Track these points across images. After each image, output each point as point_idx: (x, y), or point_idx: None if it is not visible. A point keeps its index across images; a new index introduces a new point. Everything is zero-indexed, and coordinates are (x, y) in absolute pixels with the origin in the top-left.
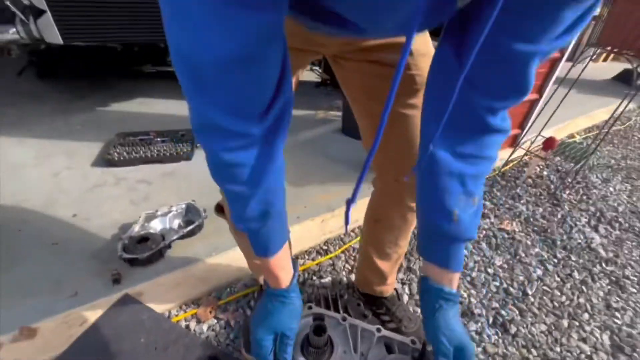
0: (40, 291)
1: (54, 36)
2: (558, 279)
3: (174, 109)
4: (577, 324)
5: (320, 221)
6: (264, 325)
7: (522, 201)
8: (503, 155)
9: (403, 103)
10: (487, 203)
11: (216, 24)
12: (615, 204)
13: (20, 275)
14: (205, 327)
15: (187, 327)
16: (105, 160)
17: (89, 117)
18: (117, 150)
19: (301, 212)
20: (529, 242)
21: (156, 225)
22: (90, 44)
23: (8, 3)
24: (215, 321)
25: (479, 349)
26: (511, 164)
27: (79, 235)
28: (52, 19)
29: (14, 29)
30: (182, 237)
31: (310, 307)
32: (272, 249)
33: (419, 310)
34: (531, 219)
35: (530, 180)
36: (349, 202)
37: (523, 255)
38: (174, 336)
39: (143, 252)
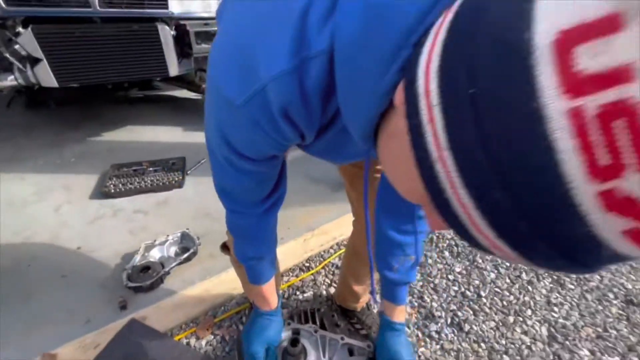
0: (56, 320)
1: (50, 81)
2: (508, 281)
3: (162, 135)
4: (521, 319)
5: (302, 240)
6: (257, 340)
7: None
8: None
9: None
10: None
11: (232, 169)
12: None
13: (36, 306)
14: (204, 342)
15: (188, 343)
16: (102, 193)
17: (81, 149)
18: (113, 182)
19: (285, 233)
20: None
21: (155, 254)
22: (83, 84)
23: (7, 55)
24: (213, 337)
25: (437, 347)
26: None
27: (85, 267)
28: (48, 66)
29: (12, 76)
30: (179, 264)
31: (289, 323)
32: (263, 279)
33: None
34: None
35: None
36: (372, 293)
37: (480, 261)
38: (177, 353)
39: (145, 280)
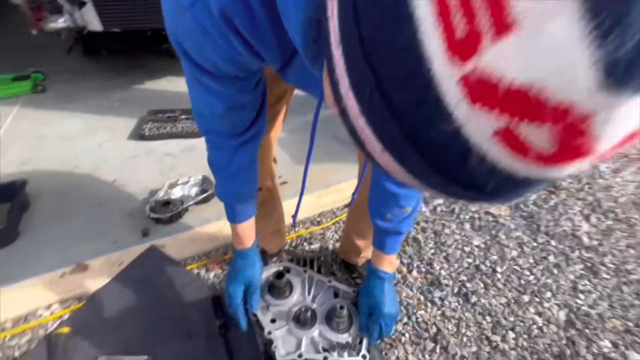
0: (89, 238)
1: (95, 24)
2: (532, 261)
3: None
4: (537, 300)
5: (317, 196)
6: (233, 280)
7: None
8: None
9: None
10: None
11: (199, 87)
12: (618, 195)
13: (74, 225)
14: (212, 275)
15: (198, 274)
16: (139, 135)
17: (125, 94)
18: (149, 126)
19: (300, 186)
20: (512, 226)
21: (177, 192)
22: (126, 29)
23: None
24: (221, 271)
25: (438, 312)
26: None
27: (117, 197)
28: (94, 9)
29: (63, 19)
30: (197, 203)
31: (281, 261)
32: (239, 219)
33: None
34: (522, 205)
35: None
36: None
37: (503, 237)
38: (188, 279)
39: (165, 213)
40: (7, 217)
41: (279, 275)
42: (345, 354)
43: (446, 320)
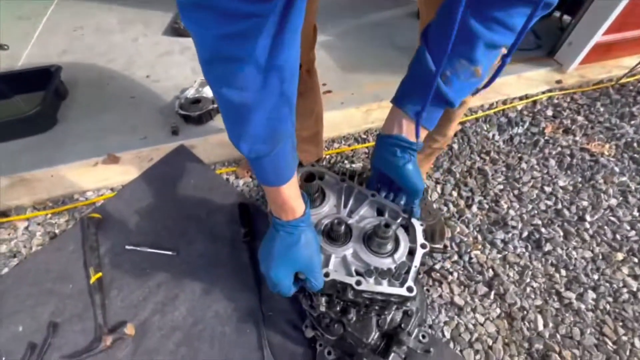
0: (121, 131)
1: None
2: (637, 214)
3: None
4: (635, 260)
5: (364, 110)
6: (282, 264)
7: (632, 122)
8: (629, 62)
9: None
10: (580, 118)
11: None
12: None
13: (108, 117)
14: (241, 182)
15: (227, 179)
16: (173, 29)
17: None
18: None
19: (347, 98)
20: (616, 169)
21: (208, 91)
22: None
23: None
24: (250, 179)
25: (498, 255)
26: (638, 75)
27: (150, 93)
28: None
29: None
30: None
31: (313, 165)
32: (284, 175)
33: (444, 208)
34: (635, 144)
35: None
36: (418, 115)
37: (601, 181)
38: (216, 183)
39: (195, 111)
40: (42, 101)
41: (309, 177)
42: (385, 282)
43: (507, 266)
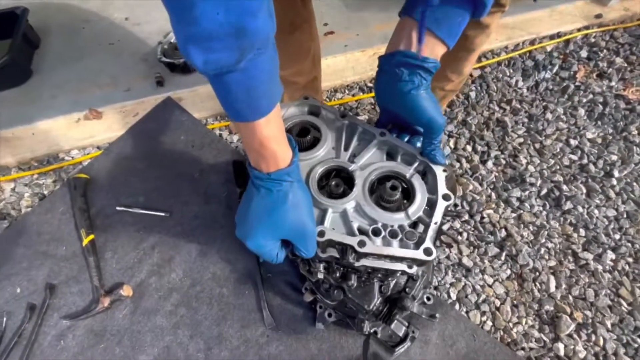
0: (102, 83)
1: None
2: None
3: None
4: None
5: (371, 54)
6: (263, 231)
7: None
8: None
9: None
10: (619, 60)
11: None
12: None
13: (86, 67)
14: (235, 138)
15: (220, 135)
16: None
17: None
18: None
19: (351, 40)
20: None
21: None
22: None
23: None
24: None
25: (512, 214)
26: None
27: (130, 38)
28: None
29: None
30: None
31: (306, 98)
32: (261, 104)
33: (457, 164)
34: None
35: None
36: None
37: (634, 132)
38: (208, 139)
39: (180, 57)
40: (10, 49)
41: (302, 132)
42: (396, 243)
43: (522, 226)
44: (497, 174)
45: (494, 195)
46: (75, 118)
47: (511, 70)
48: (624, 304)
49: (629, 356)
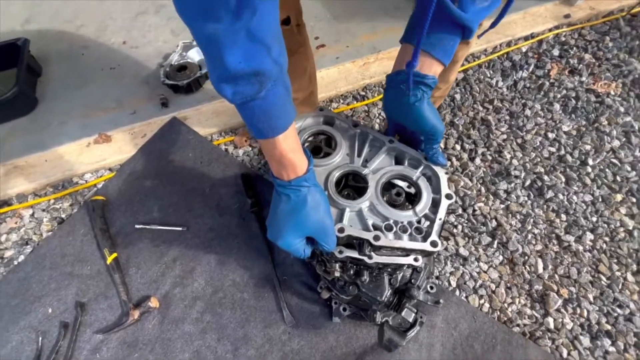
0: (108, 107)
1: None
2: (638, 154)
3: None
4: (633, 200)
5: (361, 64)
6: (290, 231)
7: None
8: None
9: None
10: (588, 56)
11: None
12: None
13: (90, 93)
14: (241, 152)
15: (226, 150)
16: None
17: None
18: None
19: (342, 52)
20: (621, 109)
21: (193, 56)
22: None
23: None
24: (250, 148)
25: (501, 205)
26: None
27: (130, 62)
28: None
29: None
30: None
31: (321, 109)
32: (279, 123)
33: (448, 162)
34: None
35: None
36: (410, 67)
37: (605, 123)
38: (215, 155)
39: (182, 79)
40: (17, 81)
41: (317, 149)
42: (406, 237)
43: (510, 215)
44: (484, 170)
45: (483, 190)
46: (86, 143)
47: (491, 72)
48: (603, 278)
49: (609, 324)
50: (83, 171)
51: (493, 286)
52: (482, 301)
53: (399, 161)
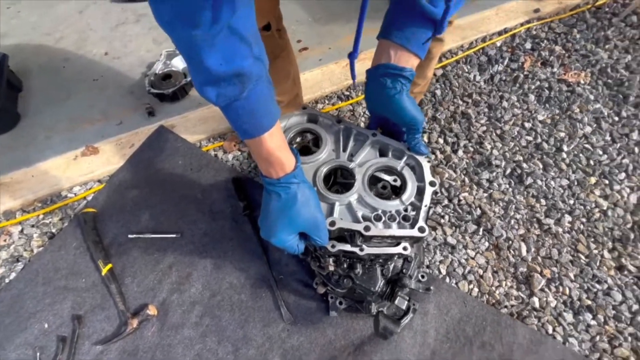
0: (93, 119)
1: None
2: (608, 138)
3: None
4: (606, 182)
5: (344, 64)
6: (282, 228)
7: (607, 46)
8: None
9: None
10: (558, 48)
11: None
12: None
13: (74, 106)
14: (230, 156)
15: (216, 156)
16: None
17: None
18: None
19: (325, 53)
20: (591, 97)
21: (177, 64)
22: None
23: None
24: (239, 153)
25: (484, 194)
26: None
27: (113, 73)
28: None
29: None
30: None
31: (304, 107)
32: (264, 121)
33: (432, 156)
34: (609, 70)
35: (634, 18)
36: (351, 56)
37: (577, 110)
38: (205, 161)
39: (167, 88)
40: None
41: (305, 149)
42: (395, 225)
43: (493, 203)
44: (467, 161)
45: (467, 180)
46: (73, 156)
47: (469, 67)
48: (582, 257)
49: (590, 299)
50: (71, 184)
51: (481, 271)
52: (471, 286)
53: (383, 153)
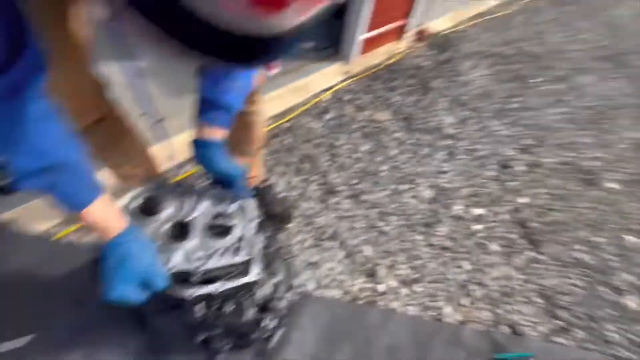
0: None
1: None
2: (409, 155)
3: None
4: (412, 186)
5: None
6: (122, 280)
7: (397, 92)
8: (390, 48)
9: None
10: (368, 97)
11: None
12: (472, 89)
13: None
14: (89, 237)
15: (71, 241)
16: None
17: None
18: None
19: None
20: (394, 128)
21: None
22: None
23: None
24: None
25: (335, 214)
26: (397, 57)
27: None
28: None
29: None
30: None
31: (152, 178)
32: (82, 200)
33: (293, 193)
34: (401, 108)
35: (411, 72)
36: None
37: (386, 139)
38: (59, 250)
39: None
40: None
41: (146, 209)
42: (228, 255)
43: (343, 220)
44: (319, 192)
45: (320, 207)
46: None
47: (309, 118)
48: (406, 243)
49: (414, 274)
50: None
51: (340, 277)
52: (335, 291)
53: (220, 203)
